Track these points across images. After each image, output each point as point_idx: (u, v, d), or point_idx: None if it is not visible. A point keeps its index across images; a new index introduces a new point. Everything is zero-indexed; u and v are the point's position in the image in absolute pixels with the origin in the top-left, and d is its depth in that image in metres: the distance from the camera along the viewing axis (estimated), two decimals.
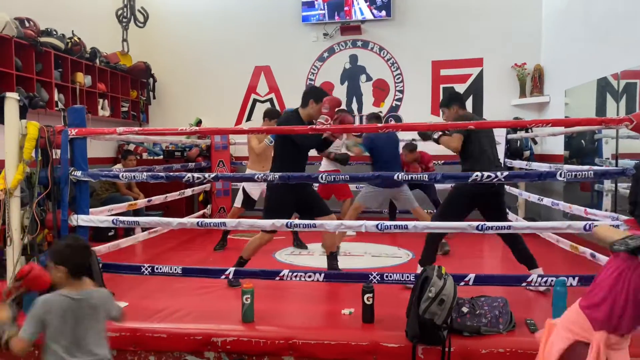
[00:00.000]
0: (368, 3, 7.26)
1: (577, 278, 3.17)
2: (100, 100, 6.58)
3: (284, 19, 7.60)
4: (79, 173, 3.63)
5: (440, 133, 3.82)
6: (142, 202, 5.20)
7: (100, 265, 3.66)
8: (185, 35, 7.88)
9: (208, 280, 3.80)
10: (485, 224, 3.24)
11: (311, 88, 3.97)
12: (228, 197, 6.73)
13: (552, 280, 3.17)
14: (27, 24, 5.37)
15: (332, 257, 4.16)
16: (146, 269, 3.62)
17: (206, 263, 4.89)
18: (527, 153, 6.74)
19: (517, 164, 6.18)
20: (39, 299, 2.21)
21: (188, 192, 6.14)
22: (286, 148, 3.78)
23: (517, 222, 3.54)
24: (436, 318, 2.79)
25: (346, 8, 7.33)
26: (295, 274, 3.41)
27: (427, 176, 3.26)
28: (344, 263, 4.40)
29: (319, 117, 3.67)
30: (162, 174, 3.56)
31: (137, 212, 6.22)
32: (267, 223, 3.45)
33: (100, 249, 4.24)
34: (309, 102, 3.80)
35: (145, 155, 7.56)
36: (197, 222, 3.54)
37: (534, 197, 5.23)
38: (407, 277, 3.32)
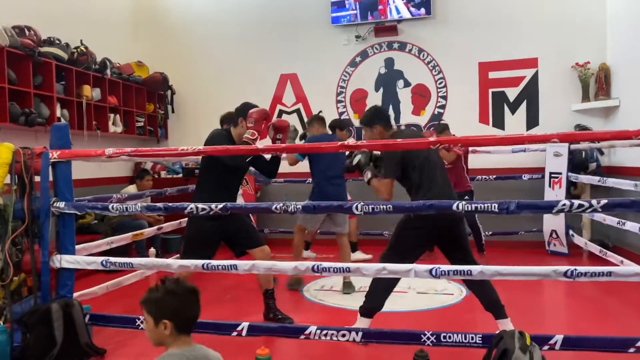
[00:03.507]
0: (405, 0, 6.50)
1: None
2: (112, 115, 6.01)
3: (311, 22, 6.91)
4: (62, 204, 3.00)
5: (370, 175, 3.22)
6: (150, 230, 4.57)
7: (87, 316, 3.01)
8: (205, 43, 7.28)
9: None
10: (576, 270, 2.42)
11: (241, 105, 3.52)
12: (253, 217, 6.05)
13: None
14: (27, 33, 4.84)
15: (268, 295, 3.65)
16: (142, 323, 2.94)
17: (221, 302, 4.22)
18: (592, 165, 5.84)
19: (585, 179, 5.30)
20: None
21: None
22: (214, 171, 3.39)
23: (622, 268, 2.68)
24: None
25: (380, 7, 6.58)
26: (324, 332, 2.68)
27: (497, 206, 2.47)
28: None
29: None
30: (160, 205, 2.88)
31: (152, 238, 5.67)
32: (289, 266, 2.71)
33: (96, 290, 3.61)
34: (239, 120, 3.48)
35: (163, 174, 6.97)
36: (202, 265, 2.84)
37: (611, 220, 4.36)
38: (472, 338, 2.53)
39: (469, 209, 2.53)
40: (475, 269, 2.53)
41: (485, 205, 2.50)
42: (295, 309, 4.00)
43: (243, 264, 2.80)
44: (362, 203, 2.64)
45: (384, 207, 2.64)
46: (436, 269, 2.56)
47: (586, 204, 2.38)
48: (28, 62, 4.70)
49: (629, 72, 5.66)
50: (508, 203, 2.47)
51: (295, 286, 4.54)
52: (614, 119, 5.93)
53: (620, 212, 3.08)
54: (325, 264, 2.69)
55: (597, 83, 6.03)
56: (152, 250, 5.64)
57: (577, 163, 5.80)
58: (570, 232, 5.60)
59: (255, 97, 6.97)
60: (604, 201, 2.38)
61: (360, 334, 2.64)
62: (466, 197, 5.17)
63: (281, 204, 2.72)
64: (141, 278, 4.29)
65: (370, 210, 2.64)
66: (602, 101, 5.97)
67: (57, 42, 5.15)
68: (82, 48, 5.47)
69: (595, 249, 4.95)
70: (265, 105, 7.07)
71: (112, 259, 3.00)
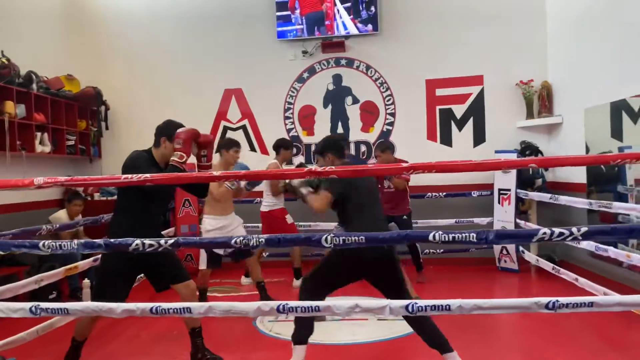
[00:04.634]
0: (352, 16, 6.40)
1: None
2: (38, 134, 5.46)
3: (256, 36, 6.66)
4: None
5: (310, 190, 3.17)
6: (85, 263, 4.14)
7: None
8: (143, 55, 6.86)
9: None
10: (558, 301, 2.31)
11: (164, 123, 3.22)
12: None
13: None
14: None
15: (195, 334, 3.35)
16: None
17: (168, 340, 3.84)
18: (539, 182, 5.94)
19: (536, 196, 5.35)
20: None
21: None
22: (132, 197, 3.07)
23: (604, 298, 2.60)
24: None
25: (327, 22, 6.45)
26: None
27: (475, 236, 2.32)
28: (340, 334, 3.44)
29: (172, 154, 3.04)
30: (100, 241, 2.52)
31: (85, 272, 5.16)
32: (251, 307, 2.44)
33: (24, 336, 3.18)
34: (161, 140, 3.15)
35: (97, 196, 6.44)
36: (151, 309, 2.50)
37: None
38: None
39: (446, 239, 2.36)
40: (454, 303, 2.36)
41: (463, 235, 2.33)
42: (247, 345, 3.71)
43: (198, 307, 2.50)
44: (331, 235, 2.41)
45: (356, 238, 2.43)
46: (413, 305, 2.38)
47: (567, 232, 2.27)
48: None
49: (569, 89, 5.82)
50: (487, 233, 2.32)
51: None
52: (557, 135, 6.07)
53: (601, 239, 3.03)
54: (292, 304, 2.44)
55: (540, 100, 6.16)
56: (86, 281, 5.10)
57: (524, 180, 5.88)
58: (521, 248, 5.63)
59: (198, 112, 6.67)
60: (584, 229, 2.28)
61: None
62: (404, 217, 5.24)
63: (241, 238, 2.45)
64: (77, 318, 3.85)
65: (341, 242, 2.42)
66: (545, 118, 6.10)
67: None
68: (4, 60, 4.95)
69: (547, 265, 4.95)
70: (209, 121, 6.74)
71: (43, 305, 2.58)
